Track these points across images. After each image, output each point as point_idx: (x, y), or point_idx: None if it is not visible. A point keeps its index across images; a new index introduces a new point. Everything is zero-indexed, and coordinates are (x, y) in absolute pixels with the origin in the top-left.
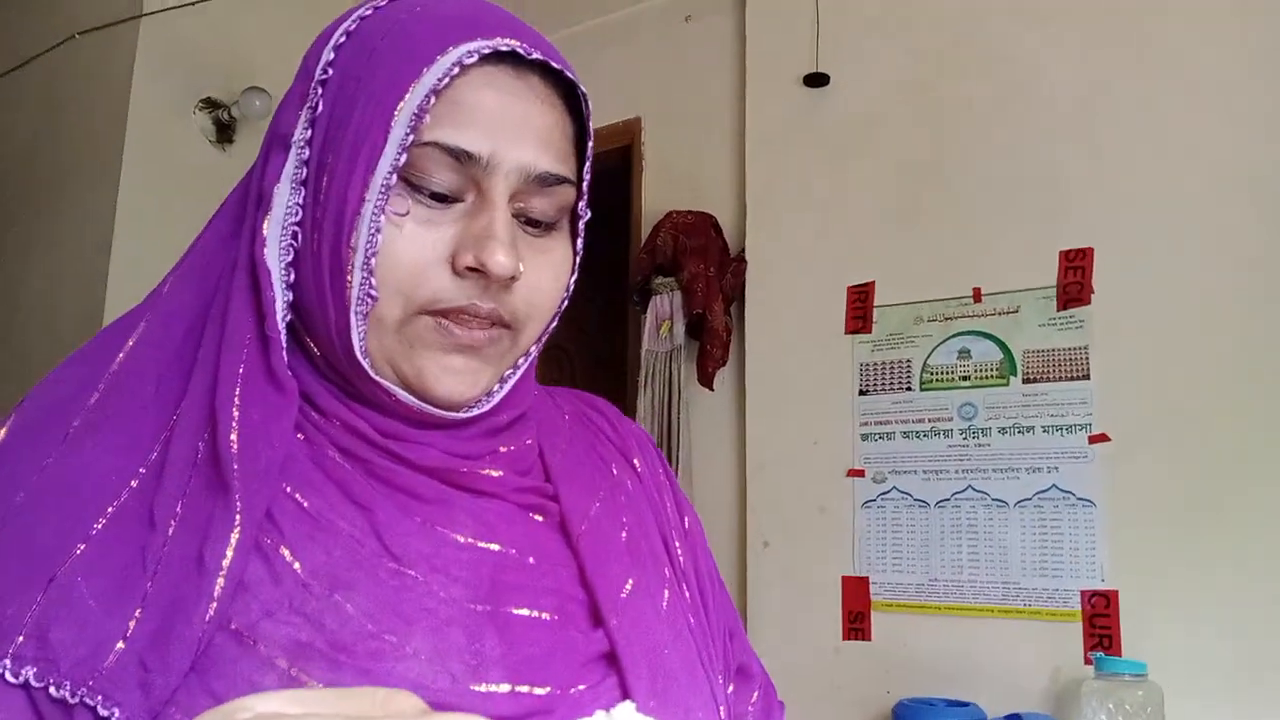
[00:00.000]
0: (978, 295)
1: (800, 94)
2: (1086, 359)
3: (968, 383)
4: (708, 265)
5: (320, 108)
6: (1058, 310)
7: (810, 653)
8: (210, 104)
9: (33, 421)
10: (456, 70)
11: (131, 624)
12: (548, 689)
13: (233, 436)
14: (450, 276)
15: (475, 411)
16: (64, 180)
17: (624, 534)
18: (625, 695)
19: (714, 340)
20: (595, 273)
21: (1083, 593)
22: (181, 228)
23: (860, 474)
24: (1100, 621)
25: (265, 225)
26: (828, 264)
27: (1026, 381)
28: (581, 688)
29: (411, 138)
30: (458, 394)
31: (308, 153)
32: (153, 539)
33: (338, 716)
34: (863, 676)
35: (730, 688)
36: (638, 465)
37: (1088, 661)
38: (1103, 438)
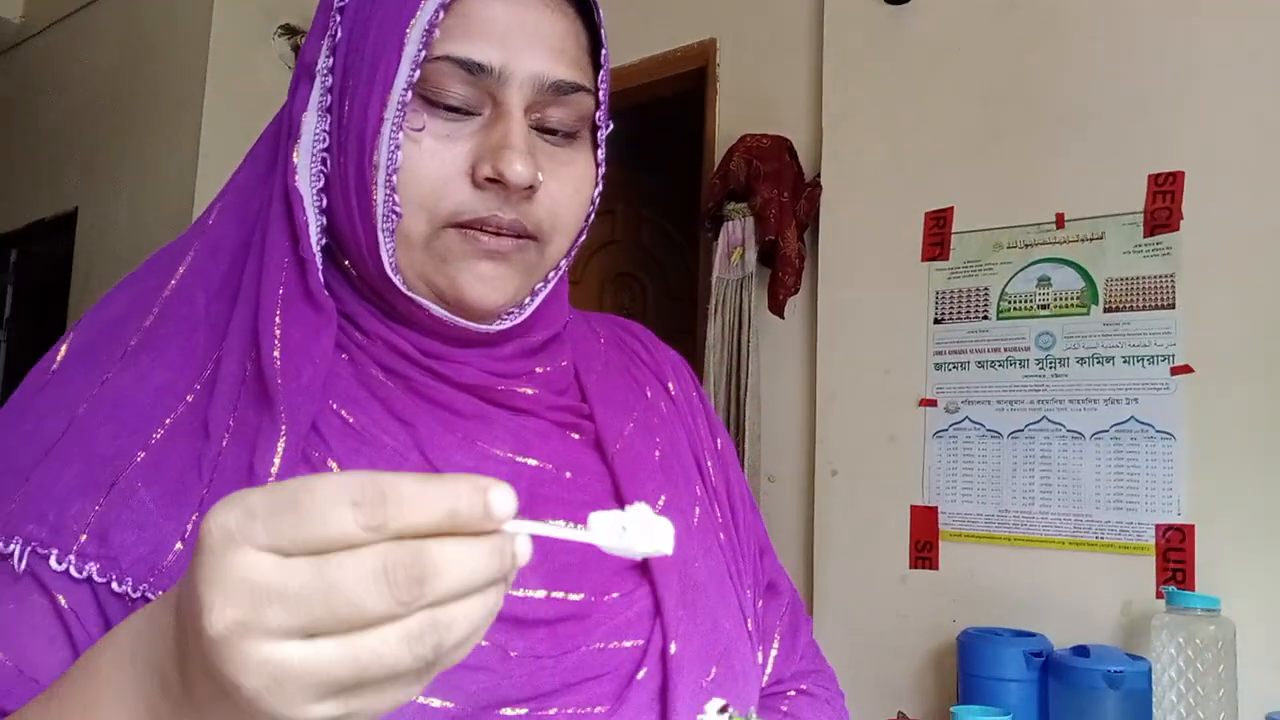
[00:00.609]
0: (1060, 221)
1: (880, 14)
2: (1173, 288)
3: (1046, 311)
4: (781, 190)
5: (339, 35)
6: (1144, 237)
7: (877, 581)
8: (288, 30)
9: (90, 341)
10: None
11: (189, 526)
12: (581, 595)
13: (275, 354)
14: (470, 189)
15: (509, 323)
16: (148, 107)
17: (657, 453)
18: (656, 603)
19: (786, 267)
20: (667, 199)
21: (1157, 526)
22: None
23: (932, 403)
24: (1174, 556)
25: (295, 153)
26: (905, 189)
27: (1108, 310)
28: (614, 595)
29: (424, 54)
30: (489, 300)
31: (330, 80)
32: (208, 448)
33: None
34: (929, 605)
35: (760, 603)
36: (671, 389)
37: (1159, 596)
38: (1186, 369)
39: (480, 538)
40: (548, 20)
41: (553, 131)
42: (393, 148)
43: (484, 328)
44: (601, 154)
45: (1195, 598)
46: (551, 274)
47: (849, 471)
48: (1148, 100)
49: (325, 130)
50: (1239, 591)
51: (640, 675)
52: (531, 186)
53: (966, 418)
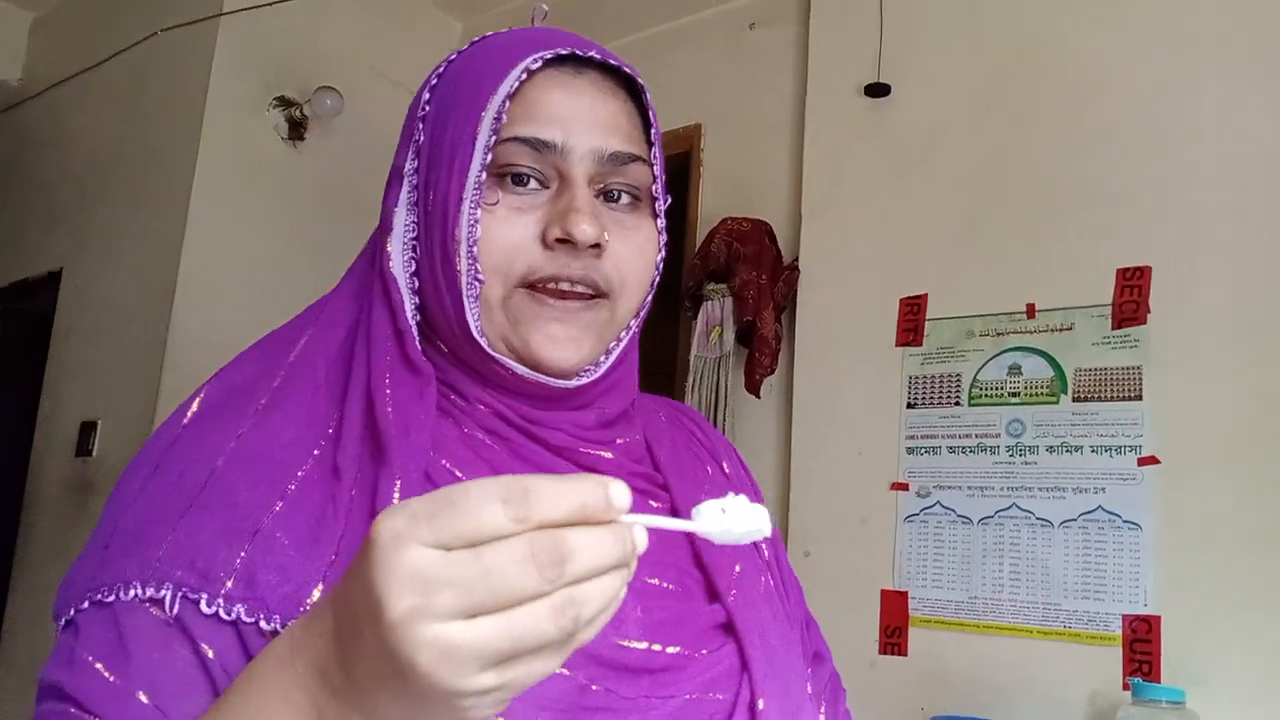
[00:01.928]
0: (1031, 311)
1: (861, 104)
2: (1140, 379)
3: (1017, 399)
4: (760, 273)
5: (422, 138)
6: (1112, 329)
7: (846, 665)
8: (284, 102)
9: (221, 400)
10: (525, 76)
11: (328, 566)
12: (677, 649)
13: (388, 409)
14: (542, 251)
15: (587, 379)
16: (141, 173)
17: None
18: (742, 661)
19: (763, 348)
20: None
21: (1124, 617)
22: (253, 222)
23: (904, 487)
24: (1141, 647)
25: (389, 243)
26: (881, 275)
27: (1077, 400)
28: (705, 651)
29: (495, 138)
30: (563, 359)
31: (416, 178)
32: (340, 487)
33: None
34: (897, 692)
35: (809, 669)
36: (726, 468)
37: (1126, 687)
38: (1153, 460)
39: (606, 526)
40: (602, 102)
41: (615, 199)
42: (472, 221)
43: (564, 383)
44: (662, 223)
45: (1161, 690)
46: (624, 333)
47: (821, 553)
48: (1117, 196)
49: (414, 221)
50: (1205, 683)
51: None
52: (598, 245)
53: (938, 502)
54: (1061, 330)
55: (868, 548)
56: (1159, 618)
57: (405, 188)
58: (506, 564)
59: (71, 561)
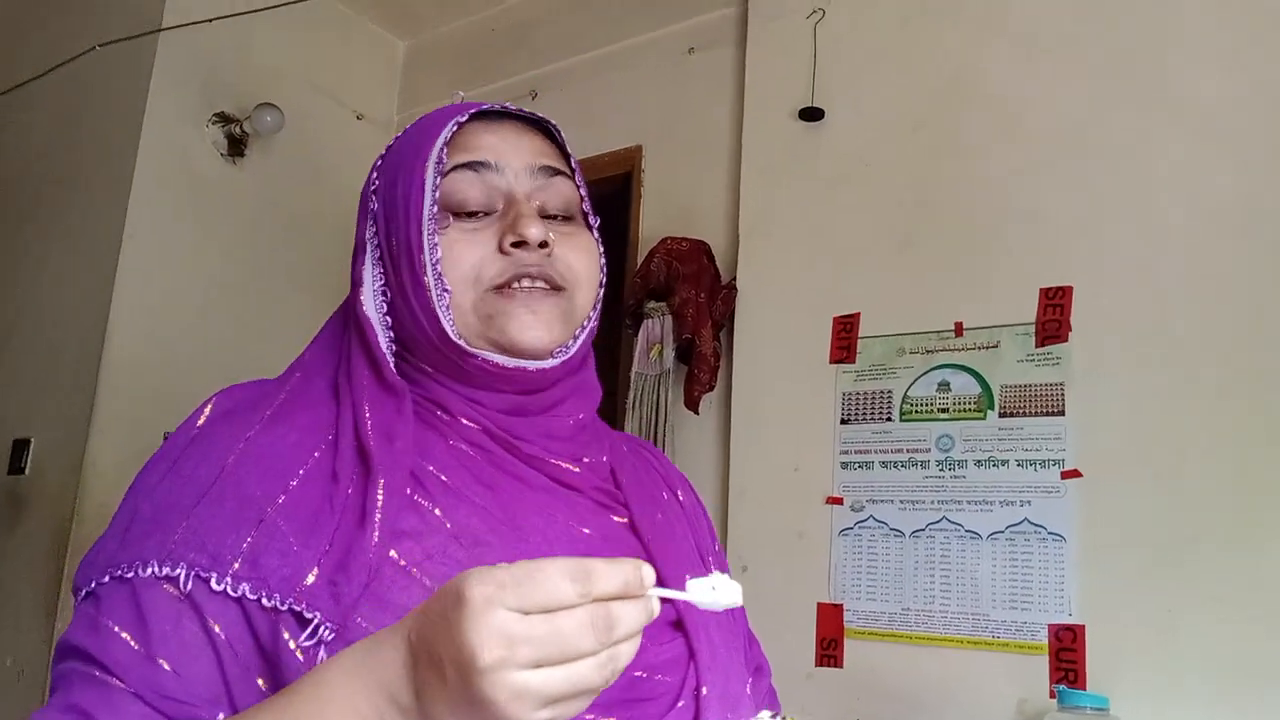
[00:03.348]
0: (959, 330)
1: (796, 128)
2: (1062, 395)
3: (946, 415)
4: (699, 291)
5: (376, 205)
6: (1036, 347)
7: (782, 678)
8: (223, 118)
9: (229, 410)
10: (456, 128)
11: (323, 554)
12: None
13: (368, 427)
14: (500, 257)
15: (560, 359)
16: (77, 187)
17: (680, 541)
18: (691, 655)
19: (702, 365)
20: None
21: (1050, 626)
22: (190, 237)
23: (839, 501)
24: (1066, 655)
25: (361, 294)
26: (815, 294)
27: (1003, 415)
28: (657, 644)
29: (439, 177)
30: (537, 340)
31: (377, 238)
32: (337, 490)
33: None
34: (833, 703)
35: (750, 679)
36: (680, 496)
37: (1052, 695)
38: (1075, 474)
39: (638, 600)
40: (525, 135)
41: (552, 217)
42: (433, 245)
43: (541, 364)
44: (597, 235)
45: (1085, 696)
46: (586, 323)
47: (759, 567)
48: (1040, 218)
49: (380, 272)
50: (1128, 691)
51: (679, 705)
52: (545, 243)
53: (871, 516)
54: (988, 348)
55: (804, 561)
56: (1083, 626)
57: (369, 250)
58: (572, 629)
59: (1, 582)
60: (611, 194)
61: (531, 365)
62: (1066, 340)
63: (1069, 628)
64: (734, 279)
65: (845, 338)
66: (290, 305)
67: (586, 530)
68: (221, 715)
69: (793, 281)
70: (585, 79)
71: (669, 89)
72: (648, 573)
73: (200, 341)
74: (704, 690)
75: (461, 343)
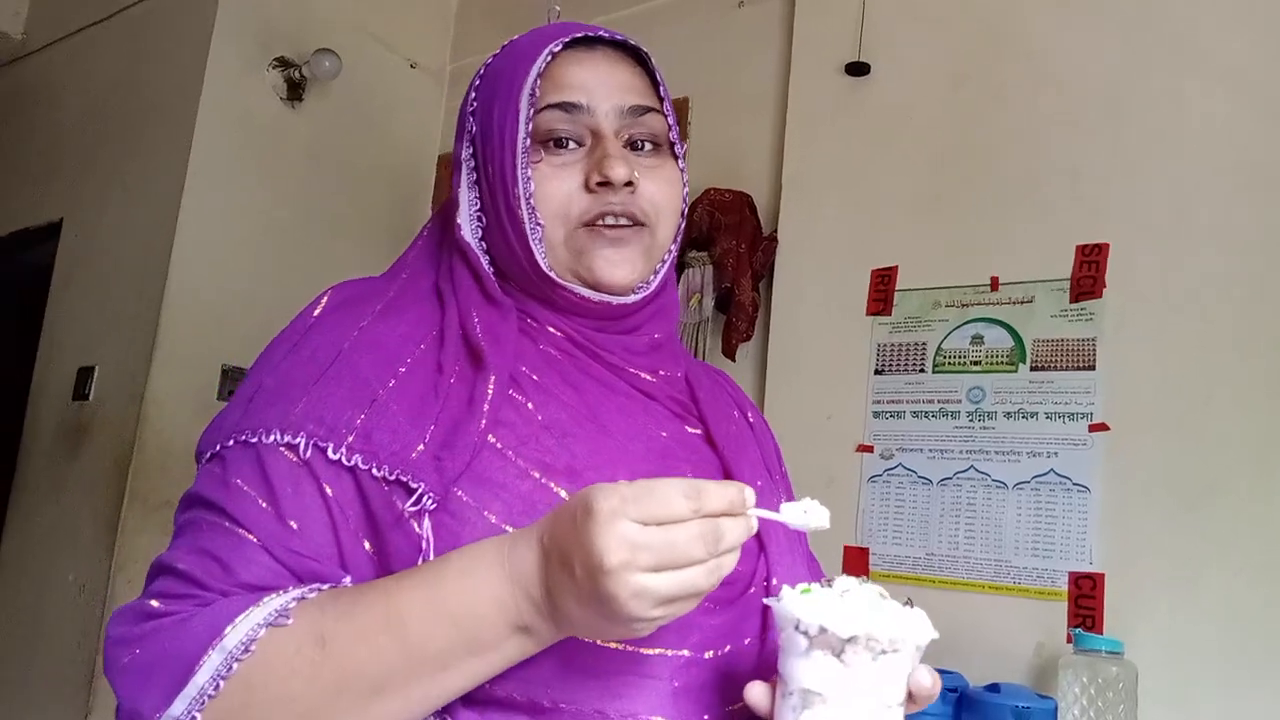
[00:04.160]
0: (995, 284)
1: (841, 82)
2: (1094, 350)
3: (978, 367)
4: (740, 242)
5: (474, 128)
6: (1070, 302)
7: None
8: (283, 63)
9: (341, 303)
10: (550, 58)
11: (428, 433)
12: None
13: (477, 329)
14: (587, 195)
15: (642, 295)
16: (141, 127)
17: (753, 453)
18: (760, 545)
19: (740, 314)
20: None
21: (1070, 574)
22: (250, 179)
23: (869, 450)
24: (1085, 602)
25: (458, 217)
26: (854, 247)
27: (1034, 369)
28: None
29: (533, 110)
30: (620, 278)
31: (474, 161)
32: (441, 380)
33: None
34: None
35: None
36: (750, 418)
37: (1069, 639)
38: (1102, 427)
39: (740, 516)
40: (616, 69)
41: (640, 148)
42: (525, 179)
43: (623, 299)
44: (682, 164)
45: (1100, 640)
46: (666, 255)
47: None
48: (1079, 175)
49: (476, 196)
50: (1143, 636)
51: (750, 591)
52: (630, 183)
53: (900, 464)
54: (1022, 303)
55: (833, 506)
56: (1103, 575)
57: (464, 171)
58: (685, 540)
59: (63, 499)
60: None
61: (615, 300)
62: (1101, 296)
63: (1089, 575)
64: (775, 231)
65: (882, 290)
66: (342, 246)
67: (664, 434)
68: (348, 577)
69: (832, 234)
70: (635, 31)
71: (717, 43)
72: (749, 494)
73: (256, 279)
74: (774, 580)
75: (552, 274)
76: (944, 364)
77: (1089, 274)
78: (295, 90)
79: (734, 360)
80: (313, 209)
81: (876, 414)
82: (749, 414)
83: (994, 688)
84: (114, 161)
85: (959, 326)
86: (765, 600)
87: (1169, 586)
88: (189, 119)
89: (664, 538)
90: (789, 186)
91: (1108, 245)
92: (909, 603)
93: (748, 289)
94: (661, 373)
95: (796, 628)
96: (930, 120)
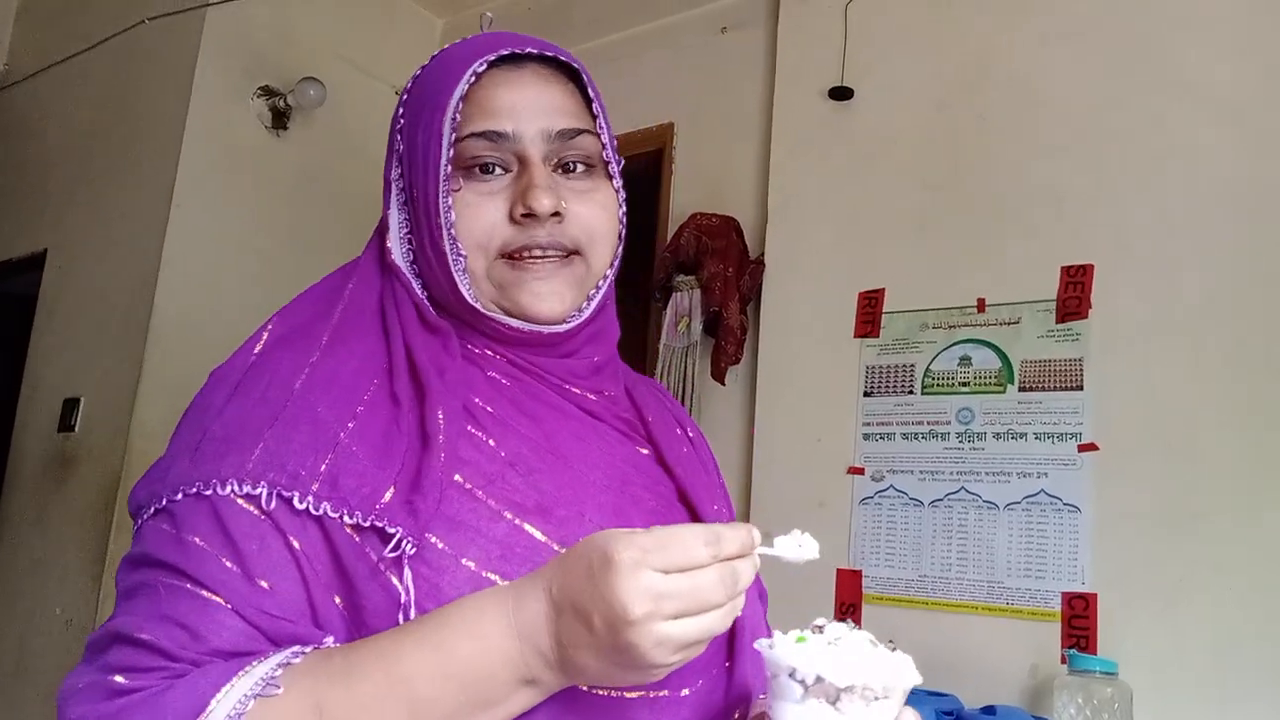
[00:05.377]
0: (981, 305)
1: (825, 106)
2: (1081, 371)
3: (967, 389)
4: (727, 266)
5: (401, 147)
6: (1056, 323)
7: None
8: (267, 91)
9: (284, 336)
10: (473, 79)
11: (396, 474)
12: None
13: (423, 357)
14: (511, 226)
15: (574, 323)
16: (126, 158)
17: (701, 478)
18: None
19: (729, 337)
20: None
21: (1063, 594)
22: (235, 209)
23: (860, 472)
24: (1078, 623)
25: (389, 240)
26: (841, 270)
27: (1022, 390)
28: None
29: (455, 136)
30: (549, 311)
31: (402, 182)
32: (400, 413)
33: (741, 545)
34: None
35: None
36: (689, 433)
37: (1063, 660)
38: (1092, 447)
39: (748, 557)
40: (545, 88)
41: (572, 169)
42: (446, 209)
43: (555, 328)
44: (618, 183)
45: (1095, 661)
46: (601, 282)
47: (781, 534)
48: (1063, 197)
49: (405, 218)
50: (1137, 656)
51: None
52: (557, 213)
53: (891, 486)
54: (1009, 324)
55: (825, 529)
56: (1095, 595)
57: (394, 192)
58: (708, 585)
59: (49, 532)
60: (643, 170)
61: (546, 329)
62: (1086, 317)
63: (1081, 596)
64: (762, 254)
65: (870, 313)
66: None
67: (618, 459)
68: (330, 637)
69: (819, 257)
70: (619, 57)
71: (701, 67)
72: (756, 534)
73: (242, 309)
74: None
75: (477, 305)
76: (933, 385)
77: (1074, 295)
78: (280, 119)
79: (723, 384)
80: (298, 237)
81: (866, 436)
82: (689, 430)
83: (990, 710)
84: (98, 191)
85: (947, 348)
86: (756, 645)
87: (1161, 605)
88: (174, 149)
89: (688, 585)
90: (775, 210)
91: (1092, 266)
92: (893, 646)
93: (736, 312)
94: (606, 393)
95: (792, 675)
96: (914, 144)
